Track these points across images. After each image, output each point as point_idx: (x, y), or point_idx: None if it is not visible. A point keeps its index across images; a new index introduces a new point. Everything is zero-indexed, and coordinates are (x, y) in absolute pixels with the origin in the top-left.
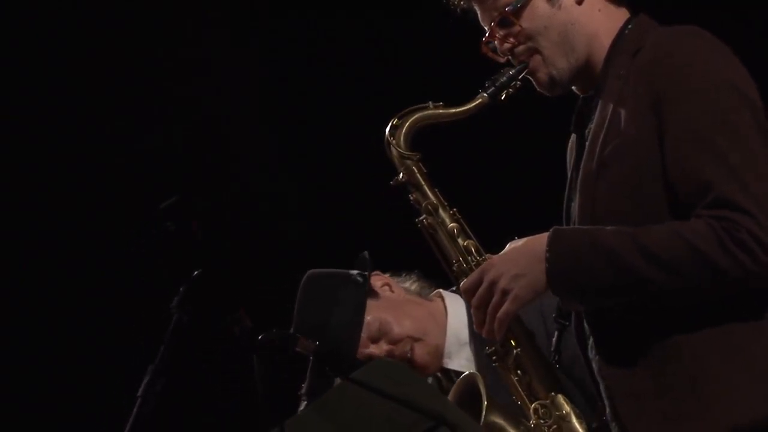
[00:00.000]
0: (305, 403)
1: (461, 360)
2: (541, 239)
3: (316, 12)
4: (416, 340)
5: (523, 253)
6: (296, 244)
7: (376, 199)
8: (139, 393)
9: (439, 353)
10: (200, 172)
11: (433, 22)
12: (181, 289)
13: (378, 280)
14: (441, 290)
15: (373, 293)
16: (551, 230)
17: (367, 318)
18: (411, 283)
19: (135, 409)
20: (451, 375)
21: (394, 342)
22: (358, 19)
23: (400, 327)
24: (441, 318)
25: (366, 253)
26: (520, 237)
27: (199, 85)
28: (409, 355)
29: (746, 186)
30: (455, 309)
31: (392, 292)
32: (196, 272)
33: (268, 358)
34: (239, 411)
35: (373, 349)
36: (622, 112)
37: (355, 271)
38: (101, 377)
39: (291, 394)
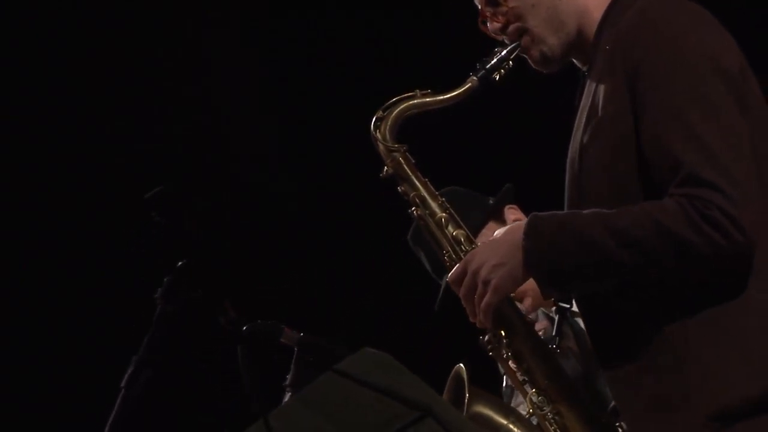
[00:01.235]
0: (289, 394)
1: None
2: (519, 227)
3: (314, 10)
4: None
5: (503, 242)
6: (284, 236)
7: (367, 191)
8: (123, 384)
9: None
10: (187, 164)
11: (432, 19)
12: (165, 279)
13: (512, 214)
14: None
15: (502, 222)
16: (529, 217)
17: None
18: None
19: (118, 400)
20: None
21: None
22: (355, 15)
23: None
24: None
25: (510, 185)
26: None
27: (194, 78)
28: None
29: (718, 162)
30: None
31: None
32: (180, 263)
33: (253, 348)
34: (224, 402)
35: None
36: (602, 89)
37: (492, 200)
38: (85, 368)
39: (276, 385)
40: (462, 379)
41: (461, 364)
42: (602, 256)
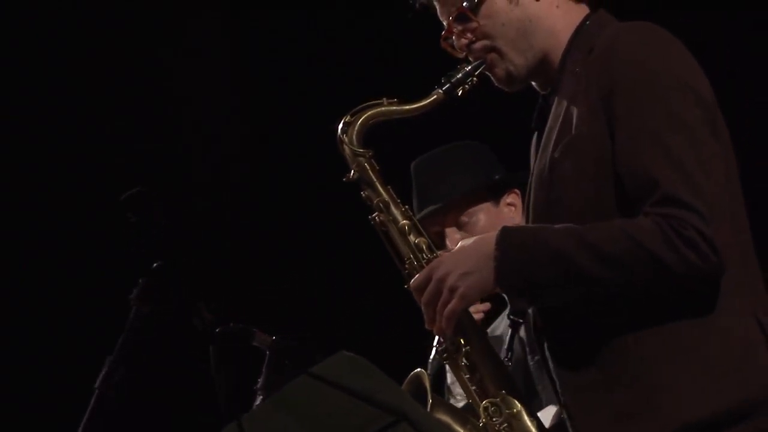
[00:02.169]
0: (261, 397)
1: None
2: (490, 238)
3: (287, 8)
4: None
5: (472, 251)
6: (258, 239)
7: (341, 192)
8: (97, 384)
9: None
10: (164, 164)
11: (397, 18)
12: (140, 280)
13: (509, 197)
14: None
15: (495, 200)
16: (500, 229)
17: (472, 208)
18: None
19: (92, 401)
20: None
21: None
22: (324, 17)
23: None
24: None
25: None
26: None
27: (167, 77)
28: None
29: (693, 183)
30: None
31: (510, 214)
32: (156, 264)
33: (225, 351)
34: (197, 404)
35: (448, 231)
36: (575, 110)
37: (498, 177)
38: (59, 369)
39: (248, 387)
40: (423, 386)
41: (421, 370)
42: (574, 270)
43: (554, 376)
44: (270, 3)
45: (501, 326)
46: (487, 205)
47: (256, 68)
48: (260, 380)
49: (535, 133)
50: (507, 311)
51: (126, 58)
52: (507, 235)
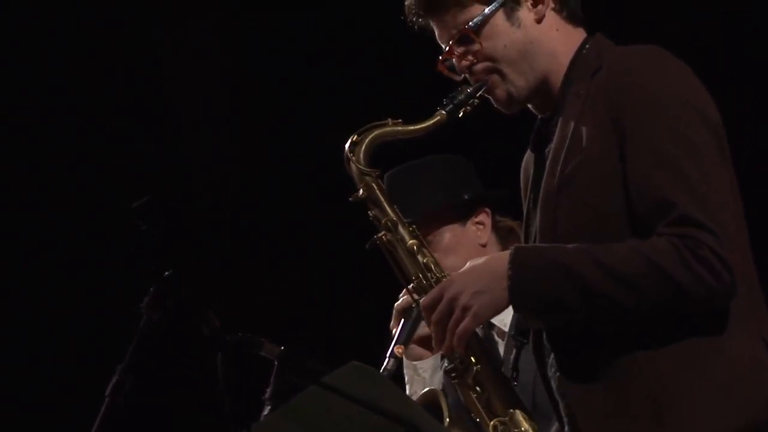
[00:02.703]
0: (269, 407)
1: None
2: (503, 257)
3: (287, 9)
4: None
5: (484, 270)
6: (268, 247)
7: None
8: (107, 392)
9: None
10: (172, 173)
11: (395, 19)
12: (151, 289)
13: (478, 216)
14: None
15: (463, 219)
16: (513, 248)
17: (436, 226)
18: (508, 232)
19: (102, 409)
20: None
21: None
22: (323, 34)
23: (445, 261)
24: None
25: (506, 193)
26: None
27: (173, 86)
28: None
29: (706, 204)
30: None
31: (478, 233)
32: (166, 272)
33: (233, 360)
34: (206, 412)
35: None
36: (583, 130)
37: (468, 195)
38: (70, 377)
39: (256, 398)
40: (439, 404)
41: (435, 388)
42: (589, 290)
43: (559, 395)
44: (270, 3)
45: None
46: (453, 225)
47: (255, 69)
48: (268, 390)
49: (527, 155)
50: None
51: (125, 58)
52: (520, 254)
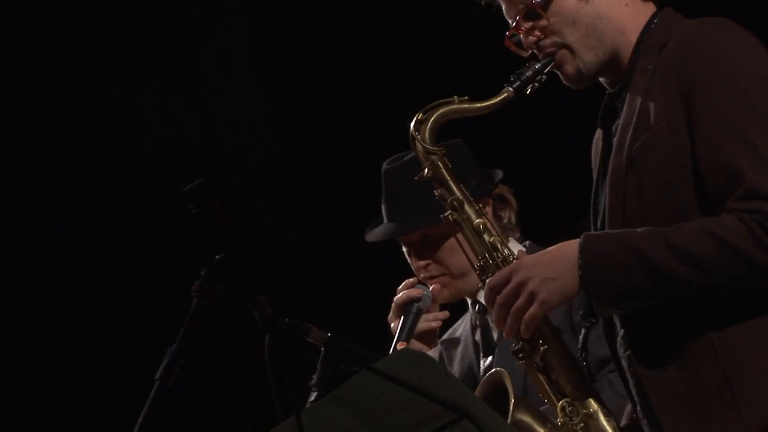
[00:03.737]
0: (315, 394)
1: None
2: (572, 245)
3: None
4: (453, 276)
5: (555, 258)
6: (314, 236)
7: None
8: (158, 376)
9: (461, 295)
10: (224, 158)
11: (459, 17)
12: (202, 272)
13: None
14: (514, 239)
15: None
16: (582, 236)
17: (441, 227)
18: (507, 222)
19: (153, 392)
20: (482, 306)
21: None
22: (380, 16)
23: (450, 259)
24: None
25: (499, 173)
26: (544, 232)
27: (215, 82)
28: (433, 280)
29: None
30: None
31: None
32: (218, 256)
33: (280, 346)
34: (255, 397)
35: (414, 245)
36: (651, 106)
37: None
38: (121, 360)
39: (302, 384)
40: (504, 385)
41: (501, 369)
42: (664, 274)
43: (630, 375)
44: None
45: (460, 329)
46: None
47: (304, 48)
48: (314, 376)
49: (597, 131)
50: (468, 314)
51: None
52: (590, 241)
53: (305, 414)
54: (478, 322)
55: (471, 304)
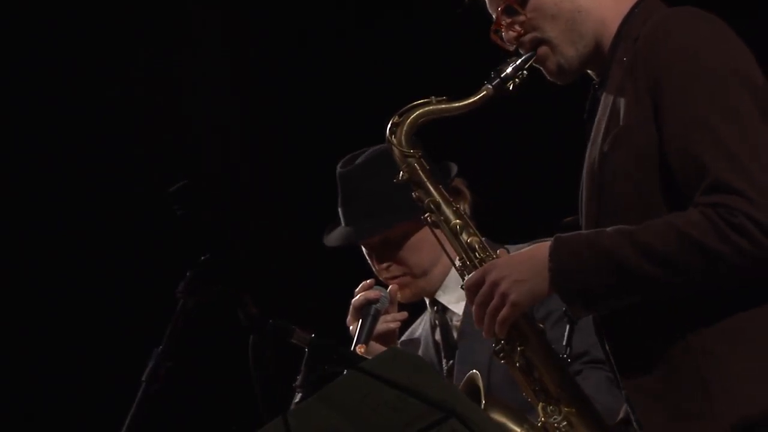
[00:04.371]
0: (299, 395)
1: (452, 297)
2: (544, 247)
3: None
4: (414, 276)
5: (526, 259)
6: (301, 235)
7: None
8: (144, 377)
9: (423, 294)
10: (208, 158)
11: (441, 12)
12: (187, 273)
13: None
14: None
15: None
16: (553, 238)
17: (398, 229)
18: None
19: (139, 393)
20: (441, 306)
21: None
22: (363, 13)
23: (410, 260)
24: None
25: (454, 166)
26: (528, 230)
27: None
28: (395, 280)
29: (743, 169)
30: None
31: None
32: (202, 257)
33: (265, 346)
34: (241, 398)
35: (375, 248)
36: (621, 101)
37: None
38: (106, 361)
39: (286, 385)
40: (477, 386)
41: (476, 371)
42: (630, 273)
43: (616, 372)
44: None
45: (419, 329)
46: (411, 222)
47: (283, 47)
48: (299, 378)
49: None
50: (426, 314)
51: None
52: (561, 244)
53: (292, 414)
54: (437, 322)
55: (429, 303)
